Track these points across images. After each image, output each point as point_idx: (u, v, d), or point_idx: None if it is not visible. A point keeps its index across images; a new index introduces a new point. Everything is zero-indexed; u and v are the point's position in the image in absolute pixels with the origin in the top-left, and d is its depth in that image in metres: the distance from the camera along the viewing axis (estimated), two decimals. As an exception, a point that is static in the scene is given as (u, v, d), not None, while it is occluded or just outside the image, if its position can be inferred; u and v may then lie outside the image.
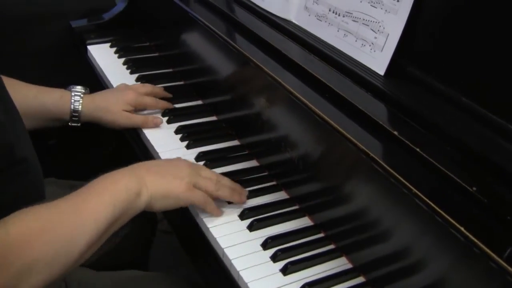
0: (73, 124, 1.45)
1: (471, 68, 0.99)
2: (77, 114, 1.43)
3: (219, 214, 1.16)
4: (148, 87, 1.53)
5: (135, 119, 1.46)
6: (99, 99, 1.47)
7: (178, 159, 1.21)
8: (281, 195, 1.23)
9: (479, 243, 0.76)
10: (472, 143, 0.91)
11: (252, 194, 1.22)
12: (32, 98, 1.41)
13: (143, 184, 1.08)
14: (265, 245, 1.09)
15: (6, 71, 1.38)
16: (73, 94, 1.44)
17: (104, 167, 1.49)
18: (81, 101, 1.43)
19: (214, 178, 1.17)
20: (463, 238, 0.78)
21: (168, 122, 1.47)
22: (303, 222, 1.16)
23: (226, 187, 1.18)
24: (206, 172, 1.19)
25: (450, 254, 0.81)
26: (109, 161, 1.34)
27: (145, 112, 1.51)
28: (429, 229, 0.84)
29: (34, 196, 1.12)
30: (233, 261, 1.05)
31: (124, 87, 1.53)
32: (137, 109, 1.48)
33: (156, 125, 1.45)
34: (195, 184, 1.13)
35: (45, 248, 0.92)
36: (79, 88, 1.46)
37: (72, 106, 1.43)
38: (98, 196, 1.02)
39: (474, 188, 0.82)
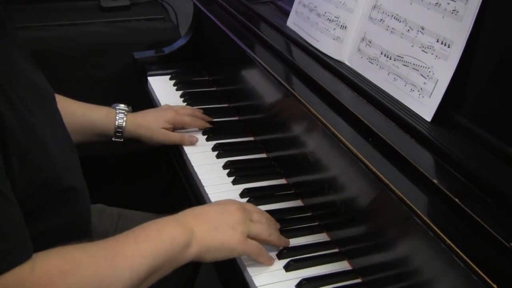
0: (116, 140, 1.52)
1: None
2: (121, 130, 1.51)
3: (271, 263, 1.12)
4: (188, 109, 1.63)
5: (172, 136, 1.54)
6: (141, 117, 1.56)
7: (227, 202, 1.17)
8: (322, 237, 1.21)
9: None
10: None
11: (293, 234, 1.21)
12: (80, 115, 1.48)
13: (192, 236, 1.04)
14: (300, 286, 1.07)
15: (71, 96, 1.44)
16: (117, 111, 1.52)
17: (154, 198, 1.51)
18: (125, 118, 1.51)
19: (264, 221, 1.15)
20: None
21: (218, 156, 1.47)
22: (342, 266, 1.14)
23: (276, 232, 1.16)
24: (257, 215, 1.15)
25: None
26: (160, 194, 1.37)
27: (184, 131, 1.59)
28: (462, 284, 0.82)
29: (80, 223, 1.14)
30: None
31: (165, 106, 1.64)
32: (176, 128, 1.57)
33: (192, 143, 1.53)
34: (249, 233, 1.10)
35: None
36: (122, 106, 1.55)
37: (116, 122, 1.51)
38: (137, 244, 1.00)
39: (511, 244, 0.79)
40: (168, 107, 1.62)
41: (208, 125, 1.60)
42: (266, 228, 1.13)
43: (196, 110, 1.64)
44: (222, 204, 1.16)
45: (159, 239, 1.01)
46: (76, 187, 1.09)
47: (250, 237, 1.10)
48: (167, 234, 1.03)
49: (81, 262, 0.93)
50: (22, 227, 0.90)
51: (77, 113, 1.47)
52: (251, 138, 1.56)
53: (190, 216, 1.09)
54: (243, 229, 1.09)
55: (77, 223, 1.13)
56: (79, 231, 1.11)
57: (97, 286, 0.92)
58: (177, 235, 1.03)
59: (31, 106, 0.99)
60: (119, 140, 1.53)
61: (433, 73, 1.07)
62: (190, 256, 1.04)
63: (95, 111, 1.52)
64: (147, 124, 1.54)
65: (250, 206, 1.19)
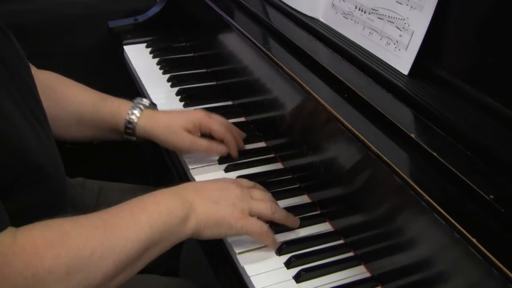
0: (128, 137, 1.31)
1: (500, 68, 0.92)
2: (131, 126, 1.29)
3: (276, 246, 1.06)
4: (222, 118, 1.34)
5: (198, 143, 1.27)
6: (161, 115, 1.32)
7: (226, 179, 1.13)
8: (303, 199, 1.19)
9: (493, 259, 0.70)
10: (495, 149, 0.85)
11: (274, 197, 1.15)
12: (90, 105, 1.32)
13: (191, 209, 0.99)
14: (280, 250, 1.05)
15: (48, 69, 1.39)
16: (133, 105, 1.30)
17: (136, 171, 1.47)
18: (138, 114, 1.29)
19: (267, 199, 1.09)
20: (475, 251, 0.72)
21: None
22: (324, 227, 1.11)
23: (281, 209, 1.09)
24: (258, 192, 1.09)
25: (461, 267, 0.76)
26: (142, 166, 1.33)
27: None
28: (442, 239, 0.79)
29: (55, 202, 1.08)
30: (252, 278, 1.00)
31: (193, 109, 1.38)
32: (202, 134, 1.31)
33: (221, 153, 1.29)
34: (250, 209, 1.04)
35: (56, 262, 0.83)
36: (144, 101, 1.32)
37: (127, 116, 1.29)
38: (133, 215, 0.94)
39: (491, 196, 0.76)
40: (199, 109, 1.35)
41: (241, 146, 1.33)
42: (269, 205, 1.07)
43: (231, 125, 1.34)
44: (221, 181, 1.11)
45: (156, 211, 0.95)
46: (46, 164, 1.02)
47: (253, 215, 1.04)
48: (164, 206, 0.97)
49: (70, 231, 0.87)
50: None
51: (87, 103, 1.31)
52: (230, 103, 1.53)
53: (189, 190, 1.03)
54: (243, 206, 1.03)
55: (50, 205, 1.06)
56: (53, 214, 1.07)
57: (88, 257, 0.86)
58: (176, 208, 0.97)
59: None
60: (131, 138, 1.30)
61: (409, 25, 1.04)
62: (188, 230, 0.98)
63: (107, 102, 1.33)
64: (167, 123, 1.28)
65: (247, 183, 1.13)
